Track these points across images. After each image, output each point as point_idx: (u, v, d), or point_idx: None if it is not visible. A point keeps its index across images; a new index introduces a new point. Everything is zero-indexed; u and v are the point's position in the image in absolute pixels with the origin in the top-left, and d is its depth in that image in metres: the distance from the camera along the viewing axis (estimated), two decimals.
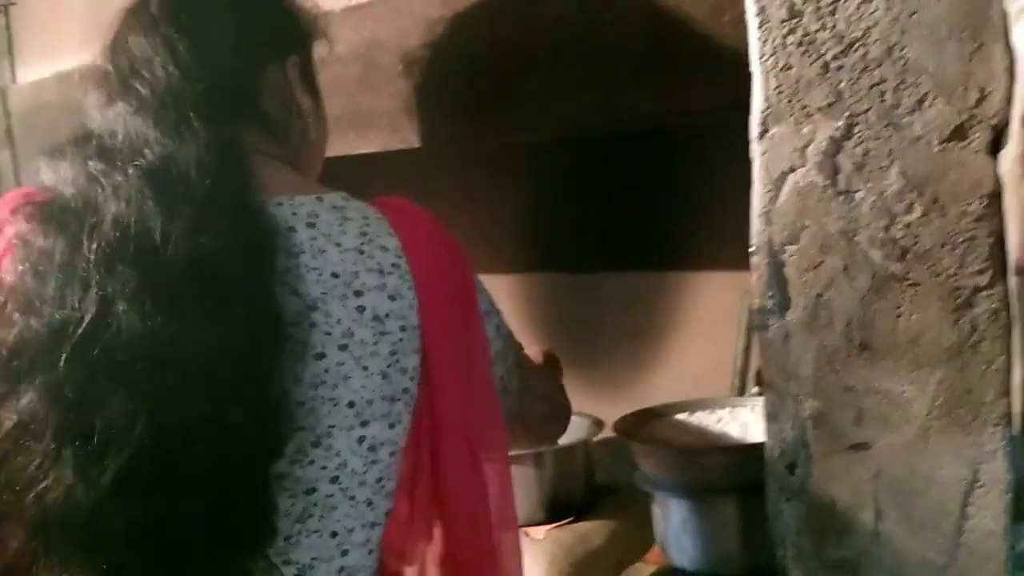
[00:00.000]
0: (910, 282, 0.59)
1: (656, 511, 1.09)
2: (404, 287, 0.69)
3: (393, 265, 0.69)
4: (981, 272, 0.57)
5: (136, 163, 0.62)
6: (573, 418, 1.29)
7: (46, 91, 1.35)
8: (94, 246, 0.59)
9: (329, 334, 0.65)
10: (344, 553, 0.68)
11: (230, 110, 0.68)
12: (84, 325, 0.58)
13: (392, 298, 0.68)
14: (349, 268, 0.67)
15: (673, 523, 1.05)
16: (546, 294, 1.42)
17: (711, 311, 1.26)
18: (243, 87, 0.72)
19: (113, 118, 0.66)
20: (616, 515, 1.23)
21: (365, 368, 0.66)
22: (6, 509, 0.59)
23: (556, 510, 1.22)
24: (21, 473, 0.58)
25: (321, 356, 0.65)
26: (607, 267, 1.36)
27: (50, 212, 0.63)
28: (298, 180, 0.73)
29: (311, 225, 0.68)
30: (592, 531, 1.20)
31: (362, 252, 0.68)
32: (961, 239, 0.57)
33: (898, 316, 0.60)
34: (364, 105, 1.01)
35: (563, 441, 1.28)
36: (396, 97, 0.99)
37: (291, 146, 0.75)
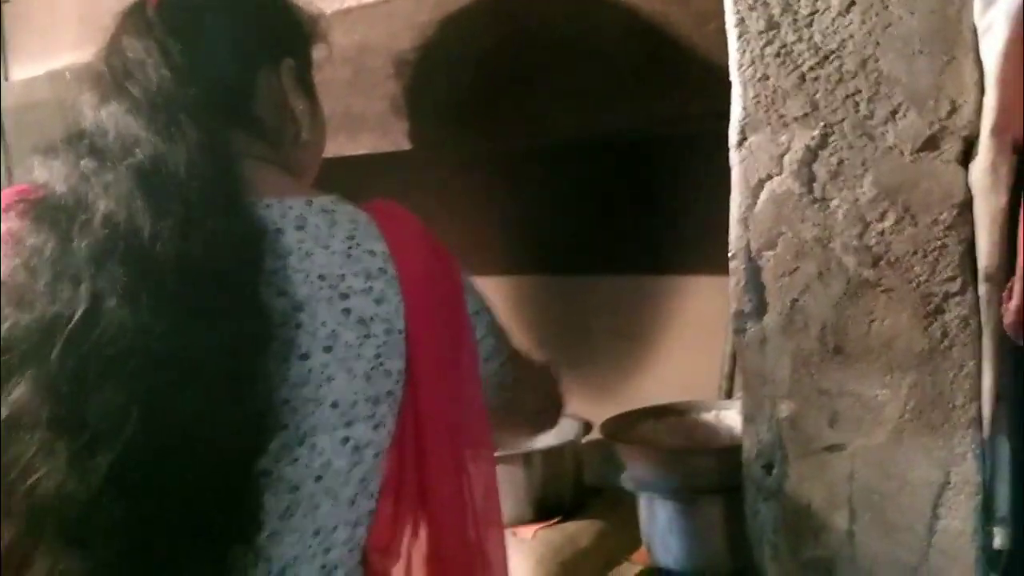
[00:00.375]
0: (883, 288, 0.60)
1: (643, 511, 1.10)
2: (390, 291, 0.70)
3: (380, 269, 0.70)
4: (952, 279, 0.58)
5: (127, 162, 0.63)
6: (562, 420, 1.31)
7: (38, 89, 1.36)
8: (84, 243, 0.60)
9: (314, 335, 0.66)
10: (326, 551, 0.69)
11: (222, 113, 0.69)
12: (75, 320, 0.58)
13: (378, 302, 0.69)
14: (336, 271, 0.68)
15: (659, 523, 1.06)
16: (535, 296, 1.43)
17: (699, 315, 1.27)
18: (235, 90, 0.73)
19: (106, 118, 0.66)
20: (603, 515, 1.24)
21: (349, 370, 0.67)
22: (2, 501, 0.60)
23: (544, 510, 1.23)
24: (14, 465, 0.59)
25: (306, 357, 0.66)
26: (596, 270, 1.37)
27: (42, 209, 0.63)
28: (289, 183, 0.74)
29: (300, 228, 0.69)
30: (580, 531, 1.21)
31: (349, 256, 0.69)
32: (932, 247, 0.58)
33: (871, 321, 0.61)
34: (355, 108, 1.02)
35: (551, 442, 1.30)
36: (386, 100, 1.00)
37: (284, 149, 0.76)
